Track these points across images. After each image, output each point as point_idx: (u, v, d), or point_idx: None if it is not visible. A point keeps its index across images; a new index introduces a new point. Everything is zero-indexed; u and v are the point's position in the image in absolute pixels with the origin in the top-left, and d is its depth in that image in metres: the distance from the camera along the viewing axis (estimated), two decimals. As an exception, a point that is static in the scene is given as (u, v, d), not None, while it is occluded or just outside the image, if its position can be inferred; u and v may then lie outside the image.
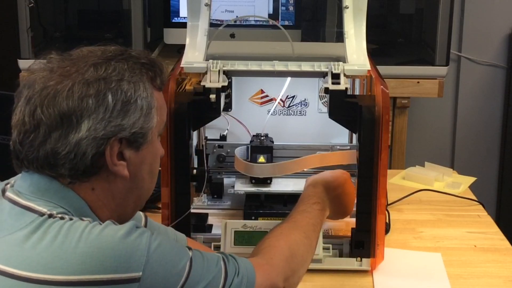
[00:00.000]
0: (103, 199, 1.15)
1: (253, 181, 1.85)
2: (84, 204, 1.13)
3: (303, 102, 2.02)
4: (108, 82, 1.10)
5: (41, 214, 1.08)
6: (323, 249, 1.63)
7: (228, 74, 1.66)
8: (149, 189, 1.22)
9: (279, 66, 1.65)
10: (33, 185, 1.12)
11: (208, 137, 1.94)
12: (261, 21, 2.68)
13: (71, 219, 1.08)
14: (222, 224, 1.64)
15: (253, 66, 1.66)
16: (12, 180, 1.19)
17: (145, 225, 1.39)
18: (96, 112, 1.09)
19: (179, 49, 2.56)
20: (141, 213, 1.39)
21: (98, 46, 1.18)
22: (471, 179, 2.19)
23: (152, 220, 1.43)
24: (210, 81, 1.62)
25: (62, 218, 1.07)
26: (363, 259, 1.64)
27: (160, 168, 1.31)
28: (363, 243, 1.63)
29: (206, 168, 1.82)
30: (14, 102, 1.13)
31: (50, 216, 1.08)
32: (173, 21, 2.82)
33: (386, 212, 1.85)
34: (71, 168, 1.10)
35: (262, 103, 2.02)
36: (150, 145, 1.17)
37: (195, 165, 1.84)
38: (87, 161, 1.10)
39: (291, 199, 1.85)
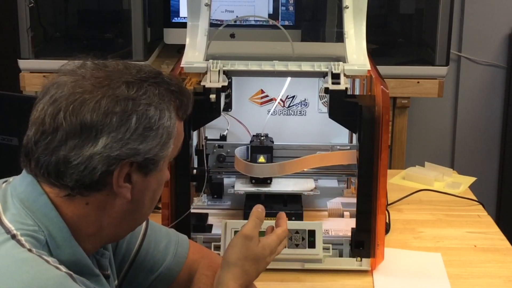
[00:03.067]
0: (94, 214, 1.11)
1: (253, 181, 1.86)
2: (64, 227, 1.09)
3: (303, 102, 2.02)
4: (136, 104, 1.08)
5: (7, 231, 1.05)
6: (323, 249, 1.63)
7: (228, 74, 1.66)
8: (146, 214, 1.20)
9: (279, 66, 1.66)
10: (25, 192, 1.10)
11: (208, 137, 1.94)
12: (261, 21, 2.68)
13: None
14: (222, 224, 1.64)
15: (253, 66, 1.66)
16: (10, 179, 1.17)
17: (146, 228, 1.37)
18: (116, 131, 1.07)
19: (179, 49, 2.56)
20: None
21: (134, 63, 1.16)
22: (471, 179, 2.19)
23: (153, 222, 1.41)
24: (210, 81, 1.62)
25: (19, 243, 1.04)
26: (363, 259, 1.64)
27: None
28: (363, 243, 1.63)
29: (206, 168, 1.82)
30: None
31: (14, 237, 1.05)
32: (173, 21, 2.82)
33: (386, 212, 1.85)
34: (77, 180, 1.07)
35: (262, 103, 2.02)
36: (159, 173, 1.15)
37: (195, 165, 1.84)
38: (95, 176, 1.07)
39: (291, 199, 1.85)
